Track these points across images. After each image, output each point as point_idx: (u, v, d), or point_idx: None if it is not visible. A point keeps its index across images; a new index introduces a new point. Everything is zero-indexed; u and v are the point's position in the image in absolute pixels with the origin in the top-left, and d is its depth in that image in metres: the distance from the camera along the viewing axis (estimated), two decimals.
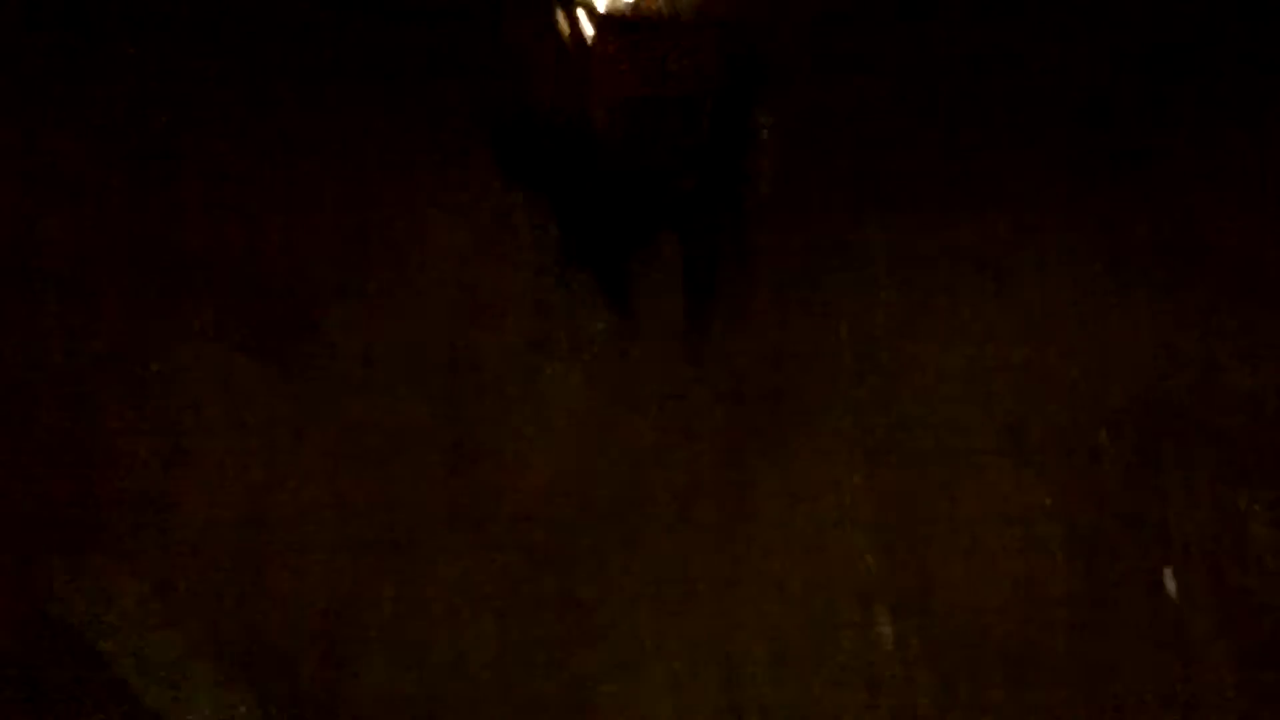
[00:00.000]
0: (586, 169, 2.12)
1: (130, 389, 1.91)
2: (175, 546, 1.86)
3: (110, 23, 2.10)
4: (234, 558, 1.84)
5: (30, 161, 2.01)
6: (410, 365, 1.96)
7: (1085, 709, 1.76)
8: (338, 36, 2.08)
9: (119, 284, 1.94)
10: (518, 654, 1.80)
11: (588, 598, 1.83)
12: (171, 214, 2.01)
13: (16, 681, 1.65)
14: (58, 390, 1.89)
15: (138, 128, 2.04)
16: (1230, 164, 2.08)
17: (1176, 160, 2.07)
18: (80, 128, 2.01)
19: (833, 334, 1.95)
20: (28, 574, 1.77)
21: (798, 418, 1.90)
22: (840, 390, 1.92)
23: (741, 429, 1.90)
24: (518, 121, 2.20)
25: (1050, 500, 1.86)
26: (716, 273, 2.05)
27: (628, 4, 2.24)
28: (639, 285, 2.01)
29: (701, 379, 1.93)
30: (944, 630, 1.78)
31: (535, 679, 1.78)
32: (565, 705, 1.79)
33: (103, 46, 2.06)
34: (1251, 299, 1.98)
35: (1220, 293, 1.97)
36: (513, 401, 1.91)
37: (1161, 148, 2.07)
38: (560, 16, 2.15)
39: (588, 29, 2.14)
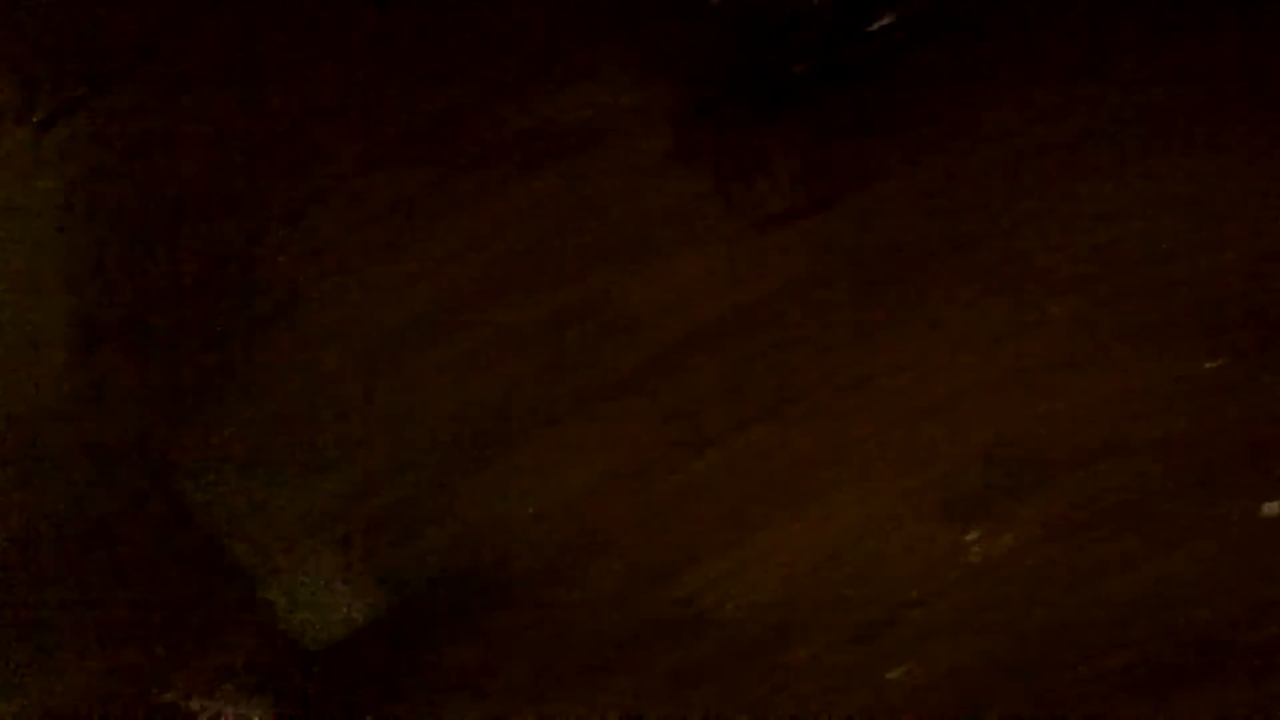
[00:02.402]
0: (708, 47, 2.02)
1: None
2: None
3: None
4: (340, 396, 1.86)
5: None
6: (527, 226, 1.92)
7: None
8: None
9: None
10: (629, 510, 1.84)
11: (700, 469, 1.87)
12: None
13: None
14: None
15: None
16: None
17: None
18: None
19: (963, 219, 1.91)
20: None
21: (920, 296, 1.88)
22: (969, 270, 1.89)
23: (865, 312, 1.88)
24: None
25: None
26: (841, 149, 1.99)
27: None
28: (761, 169, 1.96)
29: (825, 259, 1.91)
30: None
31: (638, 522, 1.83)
32: (673, 565, 1.85)
33: None
34: None
35: None
36: (626, 274, 1.89)
37: None
38: None
39: None
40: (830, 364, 1.89)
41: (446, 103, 1.94)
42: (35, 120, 1.92)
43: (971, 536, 1.83)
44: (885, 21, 1.94)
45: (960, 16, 1.97)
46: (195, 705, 1.64)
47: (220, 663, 1.71)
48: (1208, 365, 1.87)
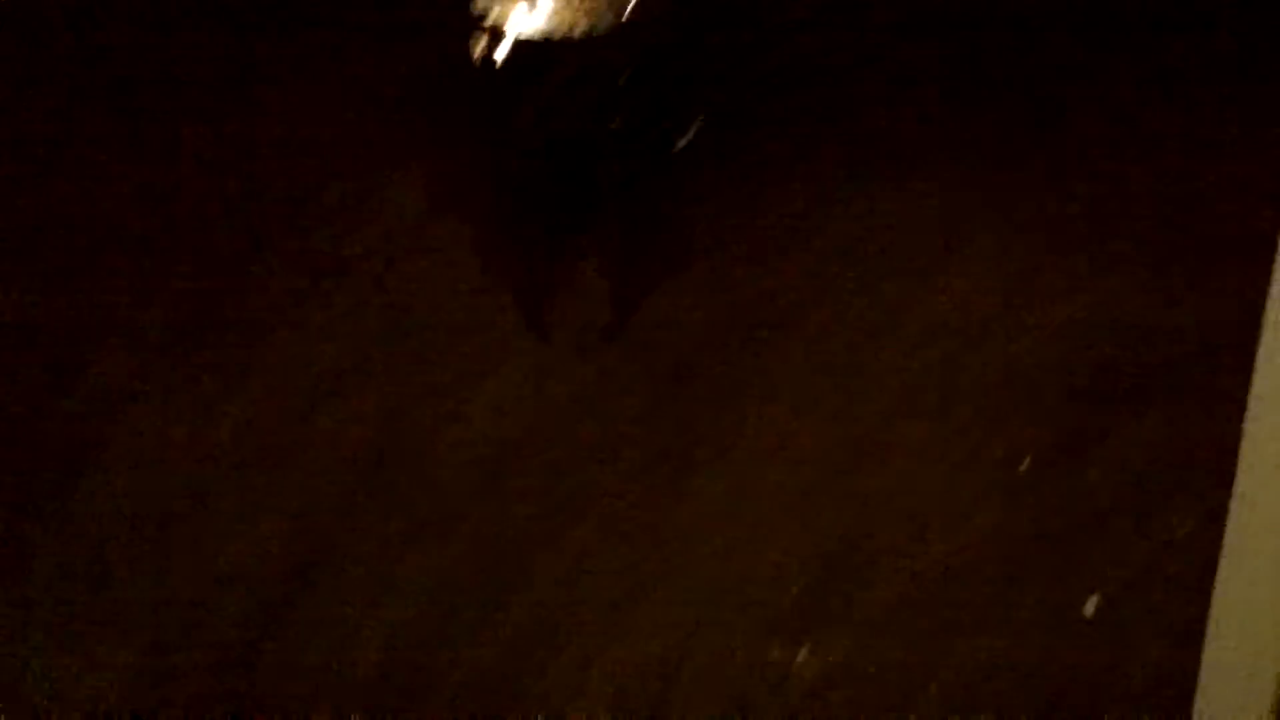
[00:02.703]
0: (508, 180, 2.04)
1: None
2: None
3: None
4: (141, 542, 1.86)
5: None
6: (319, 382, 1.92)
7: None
8: None
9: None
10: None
11: (517, 593, 1.89)
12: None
13: None
14: None
15: None
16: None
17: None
18: None
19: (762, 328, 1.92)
20: None
21: (725, 405, 1.90)
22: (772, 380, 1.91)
23: (666, 433, 1.90)
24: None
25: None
26: (640, 270, 2.00)
27: (539, 28, 2.10)
28: (560, 295, 1.97)
29: (624, 384, 1.92)
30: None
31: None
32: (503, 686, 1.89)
33: None
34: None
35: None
36: (428, 416, 1.89)
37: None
38: (473, 39, 2.03)
39: (500, 51, 2.02)
40: (641, 476, 1.91)
41: (241, 229, 1.96)
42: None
43: (798, 649, 1.86)
44: (685, 141, 1.97)
45: (761, 129, 1.99)
46: None
47: None
48: (1024, 461, 1.89)
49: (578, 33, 2.03)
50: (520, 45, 1.96)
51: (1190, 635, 1.81)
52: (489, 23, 1.96)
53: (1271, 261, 1.93)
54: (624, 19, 2.03)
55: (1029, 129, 2.05)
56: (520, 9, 2.02)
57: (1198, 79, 2.06)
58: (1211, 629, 1.74)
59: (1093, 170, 2.00)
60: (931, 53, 2.03)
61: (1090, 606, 1.82)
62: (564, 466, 1.93)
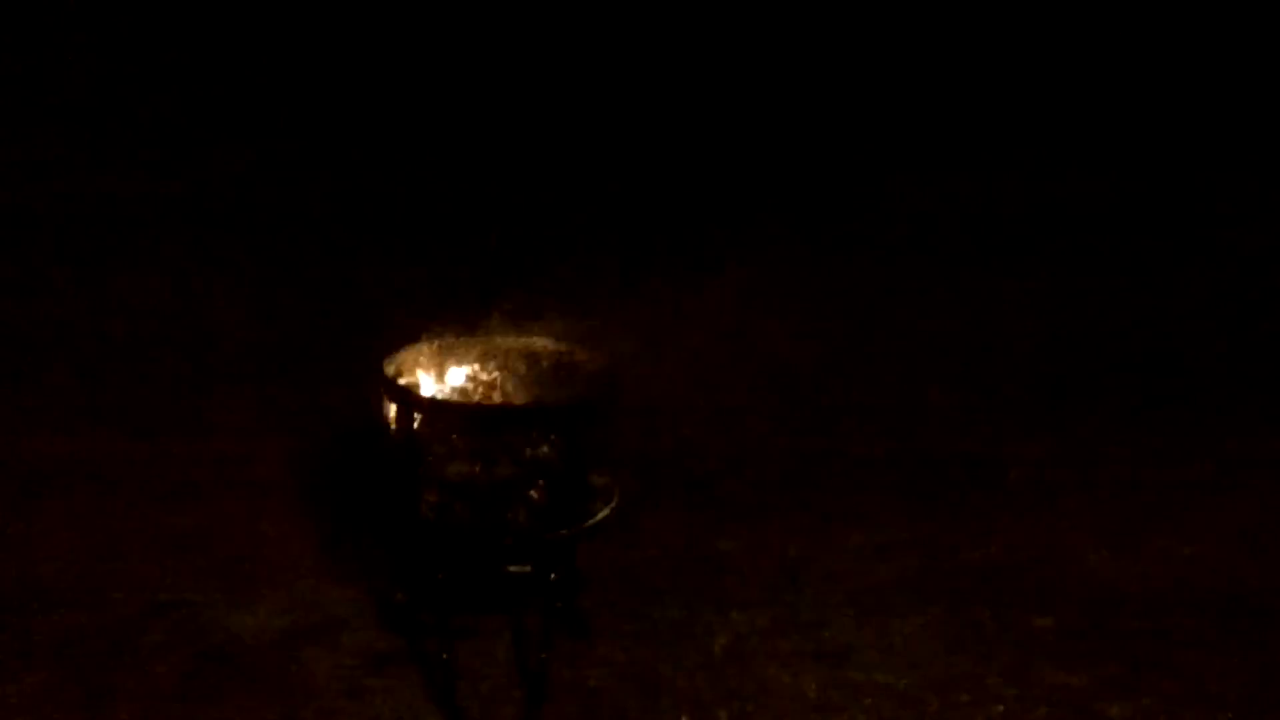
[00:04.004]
0: (415, 552, 2.05)
1: None
2: None
3: None
4: None
5: None
6: None
7: None
8: None
9: None
10: None
11: None
12: None
13: None
14: None
15: None
16: None
17: None
18: None
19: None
20: None
21: None
22: None
23: None
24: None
25: None
26: (549, 660, 2.01)
27: (456, 388, 2.13)
28: (471, 680, 1.97)
29: None
30: None
31: None
32: None
33: None
34: None
35: None
36: None
37: None
38: (387, 403, 2.05)
39: (416, 416, 2.04)
40: None
41: (133, 611, 1.95)
42: None
43: None
44: (605, 513, 1.98)
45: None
46: None
47: None
48: None
49: (494, 400, 2.03)
50: (431, 415, 1.96)
51: None
52: (401, 393, 1.96)
53: None
54: (538, 393, 2.04)
55: None
56: (429, 378, 2.03)
57: None
58: None
59: None
60: None
61: None
62: None
